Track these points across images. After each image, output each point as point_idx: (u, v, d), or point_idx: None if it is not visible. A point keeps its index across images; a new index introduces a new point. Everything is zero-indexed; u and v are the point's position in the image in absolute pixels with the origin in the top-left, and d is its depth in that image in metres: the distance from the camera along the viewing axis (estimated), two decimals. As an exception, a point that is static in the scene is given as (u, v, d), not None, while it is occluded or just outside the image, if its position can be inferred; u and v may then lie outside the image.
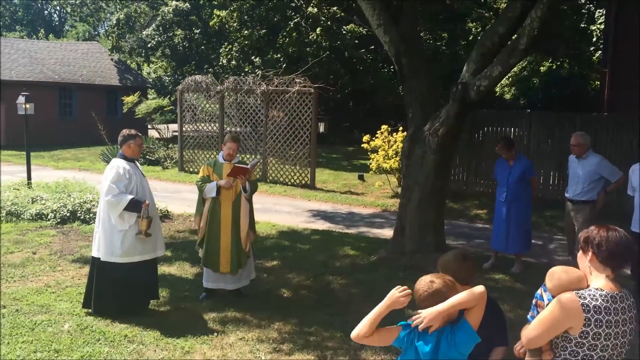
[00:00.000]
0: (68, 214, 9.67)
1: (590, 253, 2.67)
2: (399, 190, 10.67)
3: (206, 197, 6.22)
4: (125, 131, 5.89)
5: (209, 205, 6.21)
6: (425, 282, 2.80)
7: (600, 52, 20.53)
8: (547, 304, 2.77)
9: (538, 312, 2.86)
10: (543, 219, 10.83)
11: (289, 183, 14.69)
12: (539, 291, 2.95)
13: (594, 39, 23.13)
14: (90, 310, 5.77)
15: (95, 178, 13.09)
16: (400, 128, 13.43)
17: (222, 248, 6.16)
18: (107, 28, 37.37)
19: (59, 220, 9.54)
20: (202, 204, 6.30)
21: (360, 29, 21.70)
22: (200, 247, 6.36)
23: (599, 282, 2.64)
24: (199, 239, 6.38)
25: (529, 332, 2.76)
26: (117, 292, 5.66)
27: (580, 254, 2.76)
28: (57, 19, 55.44)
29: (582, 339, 2.58)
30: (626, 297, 2.65)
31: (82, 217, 9.64)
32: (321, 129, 25.20)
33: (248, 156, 15.48)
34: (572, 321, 2.58)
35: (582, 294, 2.60)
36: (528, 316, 3.00)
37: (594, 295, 2.58)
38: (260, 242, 8.76)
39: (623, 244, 2.63)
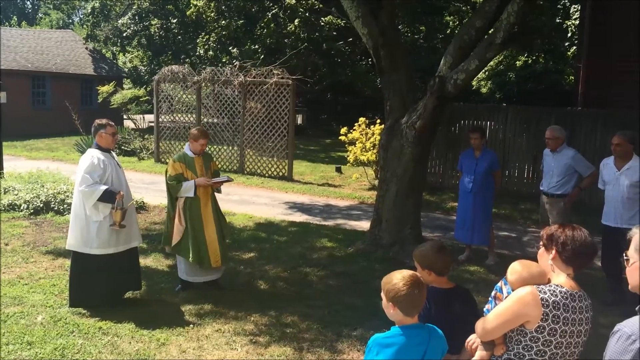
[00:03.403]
0: (41, 205, 9.52)
1: (553, 251, 2.68)
2: (376, 182, 10.71)
3: (181, 196, 6.05)
4: (96, 121, 5.82)
5: (184, 202, 6.05)
6: (412, 280, 2.71)
7: (575, 47, 20.82)
8: (506, 297, 2.78)
9: (496, 305, 2.87)
10: (518, 211, 10.98)
11: (267, 175, 14.65)
12: (499, 284, 2.97)
13: (569, 35, 23.44)
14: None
15: (70, 168, 12.89)
16: (378, 120, 13.47)
17: (208, 242, 6.05)
18: (81, 16, 36.75)
19: (32, 211, 9.39)
20: (172, 201, 6.13)
21: (339, 21, 21.63)
22: (176, 248, 6.12)
23: (560, 279, 2.66)
24: (175, 238, 6.08)
25: (485, 323, 2.74)
26: (93, 284, 5.60)
27: (541, 250, 2.77)
28: (30, 6, 54.28)
29: (537, 333, 2.59)
30: (584, 298, 2.67)
31: (55, 208, 9.50)
32: (299, 120, 25.14)
33: (225, 147, 15.40)
34: (530, 315, 2.58)
35: (542, 288, 2.61)
36: (485, 308, 3.01)
37: (553, 291, 2.60)
38: (237, 234, 8.73)
39: (587, 245, 2.64)
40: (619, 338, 1.93)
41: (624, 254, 2.10)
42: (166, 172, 6.19)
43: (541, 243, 2.76)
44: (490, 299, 2.98)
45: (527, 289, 2.63)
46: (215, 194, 6.36)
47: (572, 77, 22.38)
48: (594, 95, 12.99)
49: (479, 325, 2.79)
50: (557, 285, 2.62)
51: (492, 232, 7.81)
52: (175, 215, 6.09)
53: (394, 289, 2.70)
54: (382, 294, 2.78)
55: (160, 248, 7.80)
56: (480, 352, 2.84)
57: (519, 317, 2.62)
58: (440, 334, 2.82)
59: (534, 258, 2.92)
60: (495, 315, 2.70)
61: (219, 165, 11.85)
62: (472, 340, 2.90)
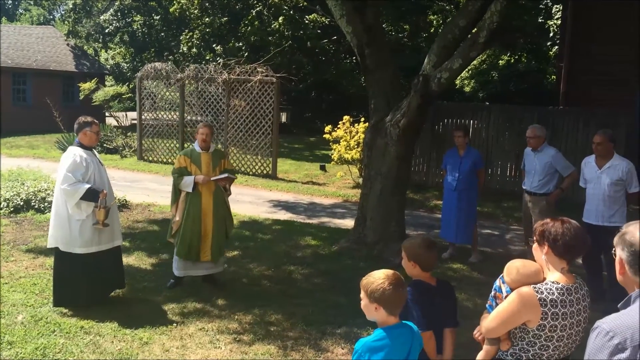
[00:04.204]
0: (22, 203, 9.39)
1: (546, 247, 2.73)
2: (361, 180, 10.73)
3: (182, 190, 6.11)
4: (81, 118, 5.74)
5: (185, 195, 6.11)
6: (396, 279, 2.71)
7: (557, 47, 21.04)
8: (506, 296, 2.83)
9: (496, 304, 2.92)
10: (500, 209, 11.06)
11: (251, 173, 14.60)
12: (497, 282, 3.00)
13: (551, 34, 23.69)
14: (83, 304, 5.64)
15: (51, 166, 12.75)
16: (362, 119, 13.49)
17: (203, 237, 6.09)
18: (63, 12, 36.32)
19: (12, 209, 9.26)
20: (176, 194, 6.19)
21: (323, 19, 21.64)
22: (173, 238, 6.23)
23: (555, 275, 2.71)
24: (173, 230, 6.21)
25: (488, 323, 2.82)
26: (76, 283, 5.55)
27: (535, 246, 2.82)
28: (11, 2, 53.50)
29: (539, 331, 2.66)
30: (580, 287, 2.74)
31: (36, 206, 9.38)
32: (283, 119, 25.10)
33: (212, 145, 15.28)
34: (529, 315, 2.65)
35: (539, 288, 2.66)
36: (487, 305, 3.06)
37: (550, 289, 2.65)
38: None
39: (578, 237, 2.70)
40: (597, 334, 1.96)
41: (612, 249, 2.13)
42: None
43: (535, 239, 2.82)
44: (490, 297, 3.03)
45: (524, 290, 2.68)
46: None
47: (554, 77, 22.61)
48: (576, 94, 13.14)
49: (483, 323, 2.87)
50: (553, 283, 2.68)
51: (475, 230, 7.86)
52: (177, 208, 6.18)
53: (379, 288, 2.67)
54: (363, 295, 2.74)
55: (143, 247, 7.77)
56: (486, 347, 2.92)
57: (518, 318, 2.69)
58: (418, 331, 2.84)
59: (516, 256, 2.96)
60: (496, 315, 2.78)
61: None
62: (478, 332, 2.97)
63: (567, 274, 2.72)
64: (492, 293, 3.02)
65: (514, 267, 2.86)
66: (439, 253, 7.68)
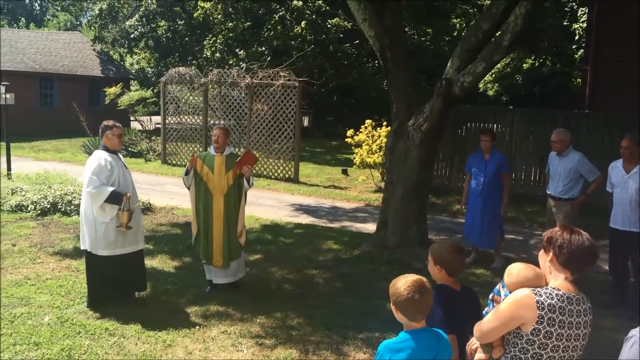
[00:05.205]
0: (48, 206, 9.55)
1: (551, 253, 2.67)
2: (383, 184, 10.70)
3: (186, 185, 6.21)
4: (104, 122, 5.87)
5: (195, 196, 6.20)
6: (414, 286, 2.71)
7: (582, 50, 20.78)
8: (504, 299, 2.77)
9: (494, 307, 2.87)
10: (524, 214, 10.93)
11: (273, 177, 14.66)
12: (497, 287, 2.96)
13: (577, 37, 23.40)
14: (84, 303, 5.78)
15: (77, 169, 12.94)
16: (384, 123, 13.45)
17: (215, 241, 6.13)
18: (89, 18, 36.94)
19: (39, 212, 9.42)
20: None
21: (345, 23, 21.66)
22: (196, 241, 6.33)
23: (557, 282, 2.64)
24: (193, 234, 6.35)
25: (482, 325, 2.75)
26: (105, 285, 5.67)
27: (541, 252, 2.76)
28: (39, 8, 54.56)
29: (533, 336, 2.57)
30: (583, 301, 2.64)
31: (62, 209, 9.53)
32: (305, 122, 25.17)
33: (228, 148, 15.39)
34: (525, 317, 2.57)
35: (538, 291, 2.60)
36: (484, 311, 3.01)
37: (549, 294, 2.58)
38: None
39: (585, 249, 2.61)
40: (633, 344, 1.92)
41: None
42: None
43: (542, 245, 2.76)
44: (488, 301, 2.98)
45: (523, 292, 2.62)
46: (246, 190, 6.26)
47: (579, 80, 22.31)
48: (601, 98, 12.94)
49: (477, 327, 2.80)
50: (553, 288, 2.61)
51: (500, 236, 7.77)
52: (193, 210, 6.31)
53: (395, 292, 2.73)
54: (391, 297, 2.80)
55: (166, 250, 7.85)
56: (479, 355, 2.85)
57: (514, 319, 2.61)
58: (447, 339, 2.83)
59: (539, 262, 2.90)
60: (492, 317, 2.71)
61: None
62: (472, 342, 2.92)
63: (570, 283, 2.64)
64: (491, 296, 2.97)
65: (514, 269, 2.82)
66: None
